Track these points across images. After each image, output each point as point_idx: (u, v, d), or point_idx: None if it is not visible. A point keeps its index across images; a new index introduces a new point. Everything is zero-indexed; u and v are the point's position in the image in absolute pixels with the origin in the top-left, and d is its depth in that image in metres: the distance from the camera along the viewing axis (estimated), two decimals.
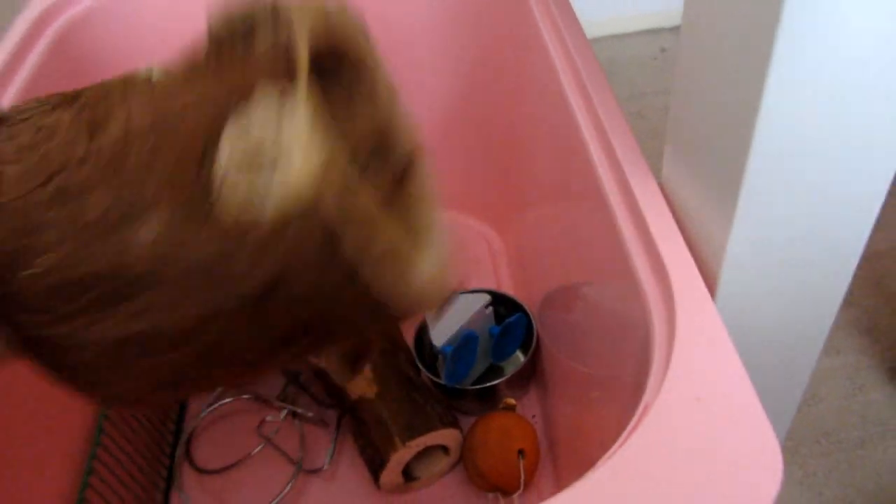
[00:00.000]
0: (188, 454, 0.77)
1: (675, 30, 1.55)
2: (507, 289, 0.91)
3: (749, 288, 0.43)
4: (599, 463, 0.34)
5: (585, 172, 0.54)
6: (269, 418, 0.71)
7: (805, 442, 0.75)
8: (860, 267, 0.90)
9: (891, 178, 0.39)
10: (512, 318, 0.76)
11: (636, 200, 0.45)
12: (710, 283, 0.42)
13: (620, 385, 0.47)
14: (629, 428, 0.35)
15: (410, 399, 0.69)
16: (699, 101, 0.42)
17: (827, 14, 0.32)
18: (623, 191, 0.48)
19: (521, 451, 0.68)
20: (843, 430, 0.76)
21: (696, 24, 0.41)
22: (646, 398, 0.36)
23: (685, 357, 0.36)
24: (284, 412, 0.76)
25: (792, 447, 0.75)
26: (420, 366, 0.76)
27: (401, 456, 0.67)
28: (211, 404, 0.80)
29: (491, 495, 0.69)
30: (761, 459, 0.33)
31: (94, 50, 0.78)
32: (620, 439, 0.35)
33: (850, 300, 0.89)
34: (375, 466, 0.68)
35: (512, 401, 0.73)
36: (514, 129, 0.85)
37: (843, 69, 0.34)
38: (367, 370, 0.72)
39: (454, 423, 0.69)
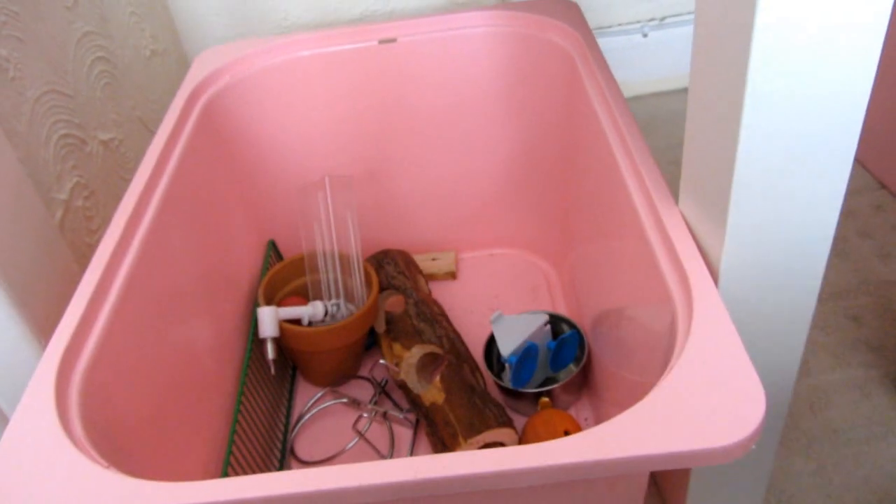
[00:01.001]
0: (293, 450, 0.92)
1: None
2: (562, 311, 1.05)
3: (742, 283, 0.57)
4: (633, 407, 0.49)
5: (623, 205, 0.69)
6: (364, 415, 0.86)
7: (817, 440, 0.87)
8: (869, 294, 1.03)
9: (845, 180, 0.53)
10: (566, 334, 0.91)
11: (664, 225, 0.60)
12: (713, 279, 0.57)
13: (657, 379, 0.62)
14: (655, 387, 0.50)
15: (472, 403, 0.83)
16: (700, 143, 0.57)
17: (785, 80, 0.48)
18: (653, 217, 0.63)
19: (566, 432, 0.82)
20: (852, 429, 0.88)
21: (696, 90, 0.57)
22: (669, 364, 0.51)
23: (699, 335, 0.51)
24: (375, 412, 0.91)
25: (806, 444, 0.87)
26: (490, 372, 0.91)
27: (463, 451, 0.80)
28: (312, 406, 0.96)
29: None
30: (750, 395, 0.47)
31: (231, 120, 0.97)
32: (650, 393, 0.49)
33: (860, 322, 1.01)
34: None
35: (546, 399, 0.87)
36: (566, 178, 1.01)
37: (797, 127, 0.50)
38: (437, 381, 0.86)
39: (509, 423, 0.83)
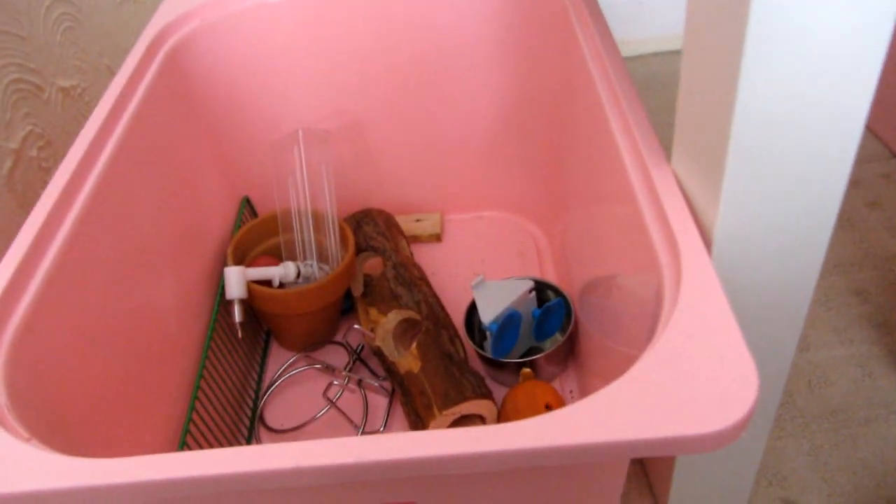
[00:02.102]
0: (262, 417, 0.88)
1: None
2: (550, 278, 1.00)
3: (737, 252, 0.52)
4: (610, 385, 0.43)
5: (614, 166, 0.63)
6: (335, 382, 0.81)
7: (815, 419, 0.82)
8: (875, 268, 0.97)
9: (854, 146, 0.47)
10: (552, 302, 0.86)
11: (654, 185, 0.54)
12: (707, 246, 0.51)
13: (634, 322, 0.57)
14: (639, 358, 0.45)
15: (448, 373, 0.78)
16: (695, 99, 0.51)
17: (783, 37, 0.41)
18: (644, 177, 0.57)
19: (547, 406, 0.77)
20: (851, 410, 0.83)
21: (691, 37, 0.51)
22: (654, 337, 0.45)
23: (687, 304, 0.45)
24: (347, 379, 0.86)
25: (802, 423, 0.82)
26: (470, 341, 0.86)
27: (438, 423, 0.76)
28: (284, 373, 0.91)
29: None
30: (741, 375, 0.42)
31: (199, 67, 0.91)
32: (631, 368, 0.44)
33: (864, 297, 0.96)
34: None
35: (528, 370, 0.82)
36: (556, 138, 0.95)
37: (801, 84, 0.43)
38: (413, 348, 0.81)
39: (487, 395, 0.78)
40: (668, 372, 0.43)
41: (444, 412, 0.75)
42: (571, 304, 0.88)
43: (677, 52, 1.55)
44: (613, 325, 0.70)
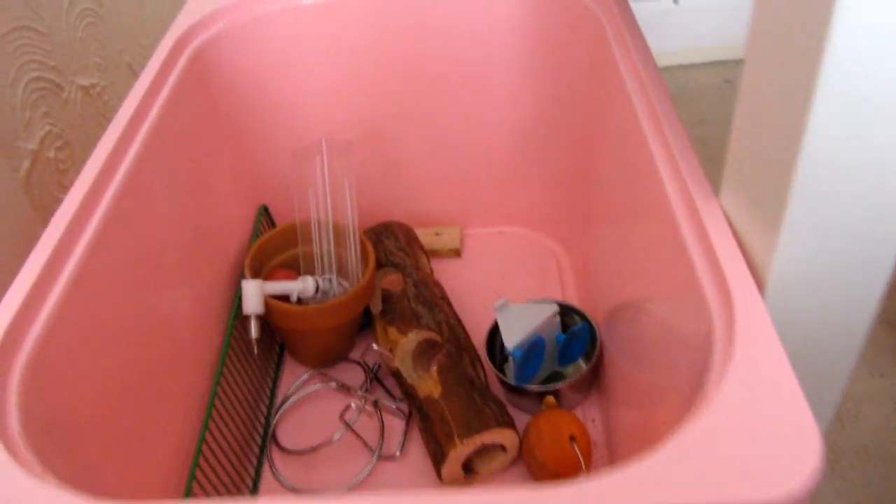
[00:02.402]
0: (275, 435, 0.85)
1: (739, 62, 1.61)
2: (573, 300, 0.98)
3: (792, 298, 0.49)
4: (658, 446, 0.41)
5: (654, 193, 0.61)
6: (353, 405, 0.79)
7: (846, 455, 0.80)
8: None
9: None
10: (577, 327, 0.83)
11: (701, 219, 0.52)
12: (760, 291, 0.49)
13: (681, 388, 0.54)
14: (687, 418, 0.42)
15: (470, 399, 0.76)
16: (754, 132, 0.48)
17: (868, 53, 0.39)
18: (689, 210, 0.54)
19: (572, 437, 0.75)
20: (883, 446, 0.80)
21: (754, 58, 0.48)
22: (704, 393, 0.43)
23: (743, 359, 0.43)
24: (364, 400, 0.83)
25: (833, 459, 0.80)
26: (491, 365, 0.84)
27: (459, 452, 0.73)
28: (298, 390, 0.88)
29: None
30: (803, 442, 0.39)
31: (224, 69, 0.88)
32: (679, 428, 0.42)
33: None
34: (437, 460, 0.75)
35: (552, 399, 0.80)
36: (583, 154, 0.92)
37: (880, 104, 0.41)
38: (434, 371, 0.79)
39: (510, 424, 0.76)
40: (723, 436, 0.40)
41: (465, 441, 0.72)
42: (596, 329, 0.86)
43: (703, 65, 1.52)
44: (646, 358, 0.68)
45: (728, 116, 1.64)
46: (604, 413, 0.85)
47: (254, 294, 0.80)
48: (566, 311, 0.88)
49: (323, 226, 0.88)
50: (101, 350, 0.59)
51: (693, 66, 1.47)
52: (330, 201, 0.87)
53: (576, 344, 0.85)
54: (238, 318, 0.83)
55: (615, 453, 0.79)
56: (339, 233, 0.88)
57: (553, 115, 0.96)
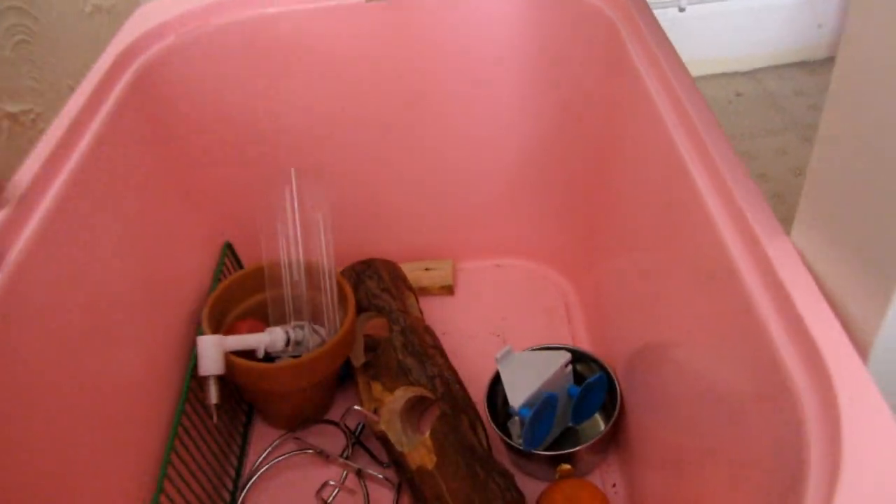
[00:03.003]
0: None
1: (749, 74, 1.51)
2: (585, 344, 0.85)
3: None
4: None
5: (692, 219, 0.49)
6: (331, 482, 0.66)
7: None
8: None
9: None
10: (592, 378, 0.71)
11: (773, 268, 0.40)
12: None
13: (745, 469, 0.42)
14: None
15: (471, 472, 0.64)
16: (852, 151, 0.37)
17: None
18: (749, 248, 0.43)
19: None
20: None
21: (847, 65, 0.36)
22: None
23: (856, 462, 0.31)
24: (345, 474, 0.71)
25: None
26: (493, 425, 0.71)
27: None
28: (268, 458, 0.76)
29: None
30: None
31: (174, 90, 0.76)
32: None
33: None
34: None
35: (567, 466, 0.68)
36: (595, 170, 0.81)
37: None
38: (427, 437, 0.67)
39: (519, 500, 0.63)
40: None
41: None
42: (615, 379, 0.74)
43: (711, 77, 1.42)
44: (686, 414, 0.56)
45: (743, 132, 1.52)
46: (626, 477, 0.72)
47: (211, 352, 0.67)
48: (579, 358, 0.76)
49: (294, 266, 0.76)
50: (30, 427, 0.47)
51: (700, 78, 1.37)
52: (301, 238, 0.75)
53: (592, 397, 0.73)
54: (195, 378, 0.70)
55: None
56: (312, 274, 0.76)
57: (558, 132, 0.85)
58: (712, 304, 0.48)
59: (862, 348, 0.36)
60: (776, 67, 1.54)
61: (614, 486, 0.73)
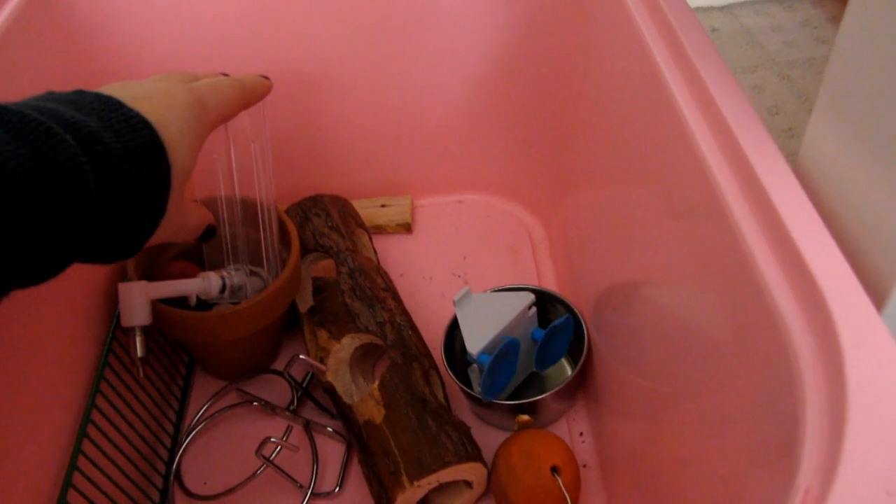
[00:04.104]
0: (179, 476, 0.67)
1: (726, 9, 1.43)
2: (552, 284, 0.80)
3: None
4: None
5: (678, 146, 0.43)
6: (272, 439, 0.60)
7: None
8: None
9: None
10: (559, 321, 0.65)
11: (764, 189, 0.33)
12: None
13: (729, 424, 0.37)
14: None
15: (422, 426, 0.58)
16: (872, 57, 0.30)
17: None
18: (739, 176, 0.36)
19: (554, 469, 0.58)
20: None
21: None
22: (802, 477, 0.25)
23: (864, 424, 0.25)
24: (289, 429, 0.65)
25: None
26: (451, 373, 0.66)
27: (408, 496, 0.55)
28: (208, 412, 0.70)
29: None
30: None
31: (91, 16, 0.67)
32: None
33: None
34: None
35: (526, 417, 0.63)
36: (567, 97, 0.74)
37: None
38: (375, 389, 0.61)
39: (474, 456, 0.58)
40: None
41: (416, 483, 0.55)
42: (583, 322, 0.68)
43: (708, 9, 1.34)
44: (661, 368, 0.50)
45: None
46: (594, 425, 0.67)
47: (136, 300, 0.60)
48: (544, 299, 0.70)
49: (230, 203, 0.69)
50: None
51: (700, 9, 1.29)
52: (238, 171, 0.68)
53: (557, 341, 0.67)
54: (120, 329, 0.64)
55: (609, 475, 0.63)
56: (251, 211, 0.69)
57: (523, 54, 0.77)
58: (692, 237, 0.42)
59: (878, 292, 0.30)
60: (753, 2, 1.47)
61: (581, 434, 0.68)
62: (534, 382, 0.71)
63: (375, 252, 0.78)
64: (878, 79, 0.30)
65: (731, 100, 0.39)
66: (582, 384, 0.70)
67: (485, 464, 0.59)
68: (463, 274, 0.82)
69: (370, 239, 0.79)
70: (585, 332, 0.67)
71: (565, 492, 0.56)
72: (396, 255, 0.84)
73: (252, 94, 0.55)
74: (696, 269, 0.41)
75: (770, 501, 0.26)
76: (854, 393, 0.25)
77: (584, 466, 0.65)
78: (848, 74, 0.33)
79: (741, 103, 0.39)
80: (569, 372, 0.71)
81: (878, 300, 0.31)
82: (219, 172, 0.69)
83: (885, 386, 0.25)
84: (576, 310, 0.69)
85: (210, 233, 0.54)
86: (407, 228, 0.86)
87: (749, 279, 0.32)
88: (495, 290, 0.71)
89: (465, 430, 0.60)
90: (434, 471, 0.55)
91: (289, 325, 0.75)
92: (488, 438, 0.65)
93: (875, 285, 0.33)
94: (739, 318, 0.34)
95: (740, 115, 0.38)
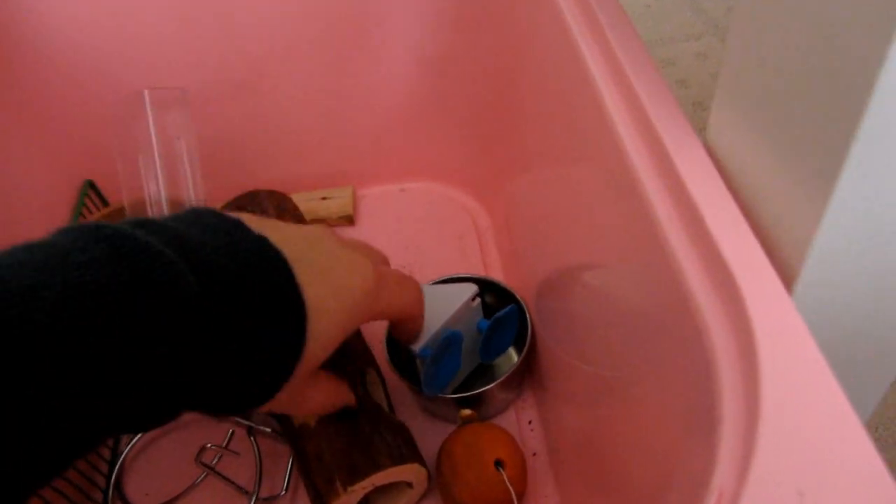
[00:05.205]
0: (118, 485, 0.65)
1: None
2: (496, 270, 0.79)
3: (834, 290, 0.31)
4: None
5: (599, 130, 0.42)
6: (209, 445, 0.59)
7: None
8: None
9: None
10: (503, 312, 0.64)
11: (673, 164, 0.32)
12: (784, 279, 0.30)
13: (661, 409, 0.36)
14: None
15: (355, 430, 0.56)
16: (782, 30, 0.29)
17: None
18: (652, 152, 0.35)
19: (498, 462, 0.57)
20: None
21: None
22: (717, 479, 0.24)
23: (777, 406, 0.24)
24: (230, 433, 0.63)
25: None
26: (392, 367, 0.64)
27: (344, 502, 0.54)
28: None
29: None
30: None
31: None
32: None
33: None
34: None
35: (468, 411, 0.62)
36: (502, 83, 0.73)
37: None
38: None
39: (409, 457, 0.56)
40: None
41: (350, 489, 0.53)
42: (527, 311, 0.67)
43: None
44: (596, 342, 0.50)
45: (662, 37, 1.44)
46: (542, 413, 0.67)
47: None
48: (490, 289, 0.69)
49: (157, 204, 0.66)
50: None
51: None
52: (163, 170, 0.65)
53: (503, 331, 0.66)
54: None
55: (558, 461, 0.62)
56: (177, 211, 0.67)
57: (461, 40, 0.76)
58: (618, 224, 0.41)
59: (788, 273, 0.29)
60: None
61: (530, 423, 0.67)
62: (484, 374, 0.70)
63: None
64: (772, 54, 0.29)
65: (645, 77, 0.38)
66: (529, 372, 0.69)
67: (423, 464, 0.57)
68: (408, 264, 0.80)
69: None
70: (529, 320, 0.66)
71: (510, 486, 0.55)
72: None
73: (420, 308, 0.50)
74: (620, 253, 0.40)
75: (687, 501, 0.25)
76: (768, 389, 0.24)
77: (534, 455, 0.65)
78: (746, 51, 0.32)
79: (654, 80, 0.38)
80: (515, 362, 0.70)
81: (788, 279, 0.30)
82: (144, 173, 0.67)
83: (800, 380, 0.25)
84: (520, 298, 0.68)
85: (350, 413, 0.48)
86: (349, 220, 0.85)
87: (667, 268, 0.31)
88: (437, 282, 0.69)
89: (401, 431, 0.58)
90: (367, 475, 0.53)
91: None
92: (437, 432, 0.64)
93: (784, 264, 0.33)
94: (658, 301, 0.34)
95: (659, 101, 0.37)
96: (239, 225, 0.34)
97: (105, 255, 0.27)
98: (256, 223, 0.35)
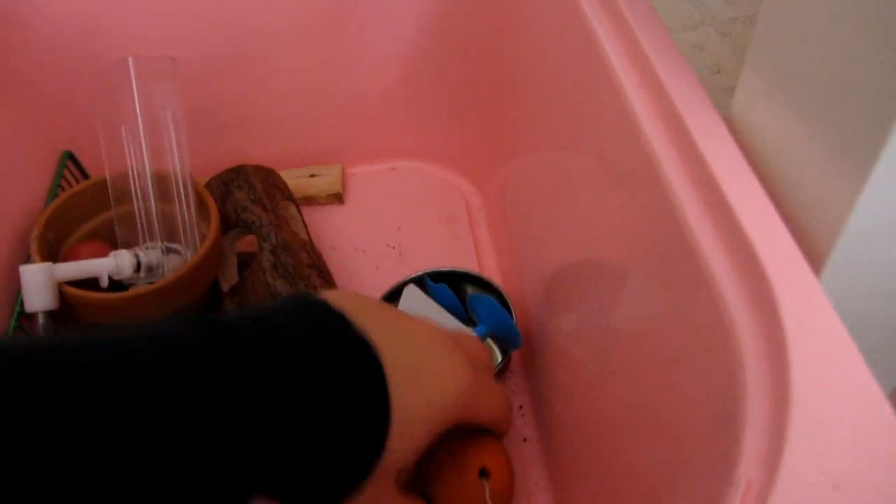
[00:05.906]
0: None
1: None
2: (487, 253, 0.77)
3: (864, 275, 0.30)
4: None
5: (611, 108, 0.40)
6: None
7: None
8: None
9: None
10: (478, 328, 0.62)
11: (699, 152, 0.31)
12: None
13: (666, 384, 0.35)
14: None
15: None
16: (824, 8, 0.28)
17: None
18: (672, 133, 0.34)
19: (482, 471, 0.54)
20: None
21: None
22: (743, 468, 0.23)
23: (809, 411, 0.23)
24: None
25: None
26: None
27: None
28: None
29: None
30: None
31: None
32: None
33: None
34: None
35: None
36: (501, 56, 0.71)
37: None
38: None
39: None
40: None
41: None
42: (509, 301, 0.65)
43: None
44: (597, 340, 0.48)
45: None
46: (535, 397, 0.66)
47: (38, 283, 0.56)
48: (470, 280, 0.68)
49: (142, 176, 0.64)
50: None
51: None
52: (147, 142, 0.63)
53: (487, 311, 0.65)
54: (24, 315, 0.59)
55: (549, 449, 0.61)
56: (166, 185, 0.64)
57: (458, 15, 0.74)
58: (629, 205, 0.40)
59: (816, 258, 0.28)
60: None
61: (521, 408, 0.66)
62: None
63: (305, 225, 0.75)
64: (805, 33, 0.28)
65: (667, 59, 0.36)
66: (520, 356, 0.68)
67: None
68: (397, 245, 0.79)
69: (299, 211, 0.75)
70: (510, 307, 0.65)
71: (489, 500, 0.52)
72: (328, 228, 0.80)
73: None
74: (633, 239, 0.39)
75: (710, 497, 0.24)
76: (797, 376, 0.23)
77: (525, 441, 0.63)
78: (781, 30, 0.31)
79: (678, 62, 0.36)
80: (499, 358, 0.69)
81: (816, 264, 0.29)
82: (127, 144, 0.64)
83: (831, 367, 0.23)
84: (504, 292, 0.66)
85: None
86: (338, 199, 0.83)
87: (686, 251, 0.30)
88: (436, 300, 0.66)
89: None
90: None
91: (211, 306, 0.71)
92: None
93: (812, 247, 0.31)
94: (674, 282, 0.32)
95: (677, 76, 0.35)
96: (342, 321, 0.35)
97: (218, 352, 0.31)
98: (363, 315, 0.36)
